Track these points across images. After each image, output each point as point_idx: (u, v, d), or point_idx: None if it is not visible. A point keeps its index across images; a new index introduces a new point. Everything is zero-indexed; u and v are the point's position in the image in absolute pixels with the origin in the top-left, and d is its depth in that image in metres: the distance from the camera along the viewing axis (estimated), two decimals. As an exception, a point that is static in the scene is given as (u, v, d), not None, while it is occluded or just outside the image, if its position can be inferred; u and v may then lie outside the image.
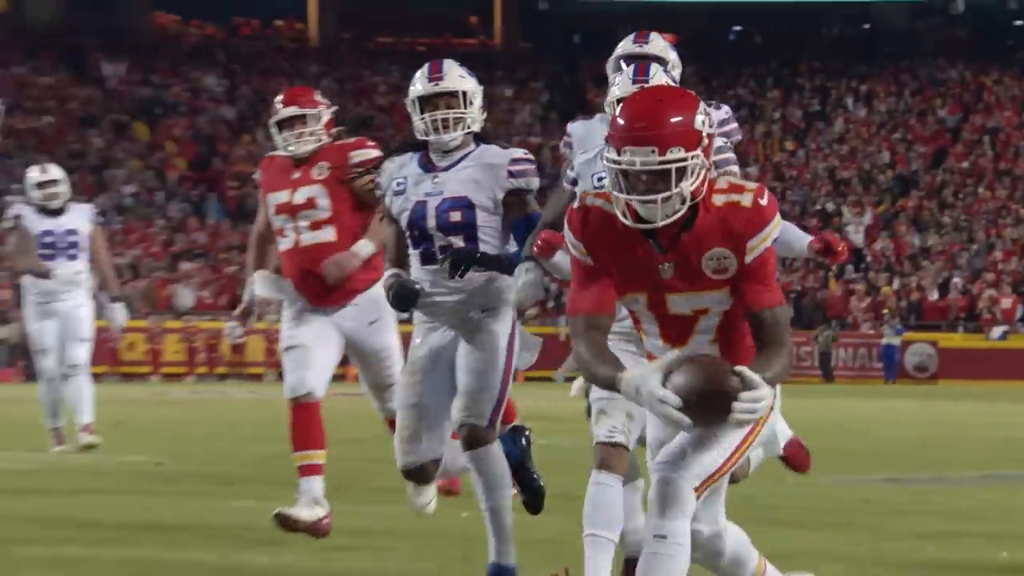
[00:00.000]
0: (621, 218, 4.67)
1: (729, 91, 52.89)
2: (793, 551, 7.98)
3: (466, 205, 7.04)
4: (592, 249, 4.79)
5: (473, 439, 6.94)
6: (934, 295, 42.73)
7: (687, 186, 4.58)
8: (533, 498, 7.45)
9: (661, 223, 4.62)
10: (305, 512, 8.23)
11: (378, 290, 7.93)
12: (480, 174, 7.04)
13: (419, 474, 7.17)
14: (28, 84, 49.31)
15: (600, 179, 6.49)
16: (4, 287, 20.65)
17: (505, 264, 7.02)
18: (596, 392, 6.43)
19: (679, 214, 4.63)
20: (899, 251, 45.23)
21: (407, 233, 7.11)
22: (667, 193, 4.57)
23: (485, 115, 7.25)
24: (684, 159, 4.57)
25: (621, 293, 4.86)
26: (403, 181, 7.13)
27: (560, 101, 54.87)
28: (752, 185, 4.72)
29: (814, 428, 15.34)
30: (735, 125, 7.05)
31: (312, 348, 8.35)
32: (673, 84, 6.61)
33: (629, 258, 4.76)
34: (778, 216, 4.70)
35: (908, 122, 52.48)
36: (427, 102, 7.05)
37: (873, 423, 21.08)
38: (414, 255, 7.11)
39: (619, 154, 4.63)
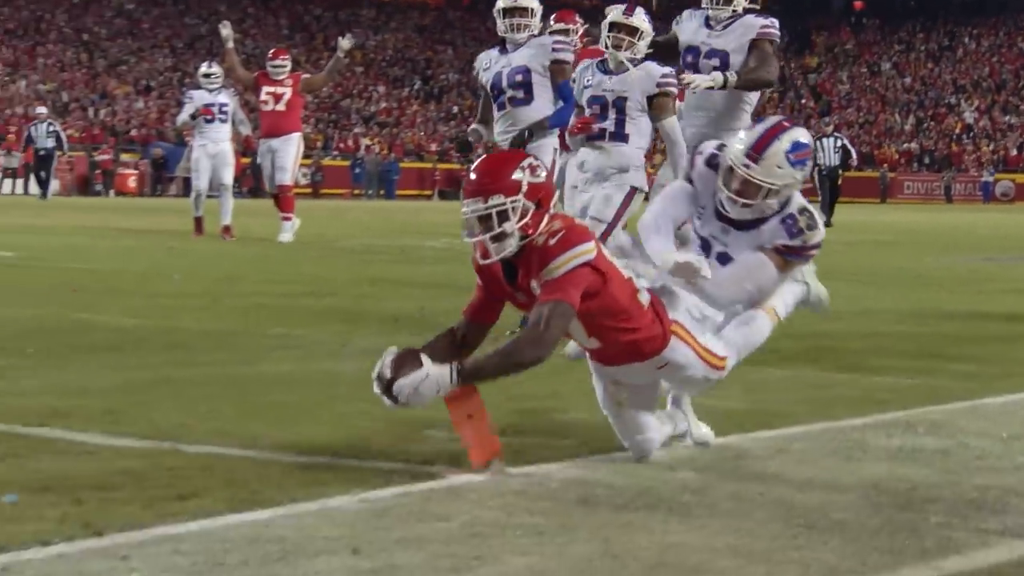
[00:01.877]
0: (477, 256, 4.92)
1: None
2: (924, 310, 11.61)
3: (526, 70, 9.40)
4: (481, 277, 5.03)
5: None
6: (1014, 152, 60.94)
7: (509, 226, 4.77)
8: None
9: (495, 258, 4.85)
10: None
11: None
12: (535, 50, 9.41)
13: None
14: None
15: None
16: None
17: (546, 126, 9.32)
18: None
19: (509, 251, 4.82)
20: (994, 125, 63.62)
21: (492, 93, 9.44)
22: (493, 232, 4.78)
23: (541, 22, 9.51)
24: (503, 204, 4.76)
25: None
26: (488, 62, 9.60)
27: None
28: (557, 225, 4.85)
29: (940, 230, 26.83)
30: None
31: None
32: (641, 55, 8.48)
33: (498, 286, 5.00)
34: (567, 253, 4.79)
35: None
36: (507, 13, 9.45)
37: (976, 226, 30.36)
38: (494, 108, 9.47)
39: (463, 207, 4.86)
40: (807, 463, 5.23)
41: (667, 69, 8.53)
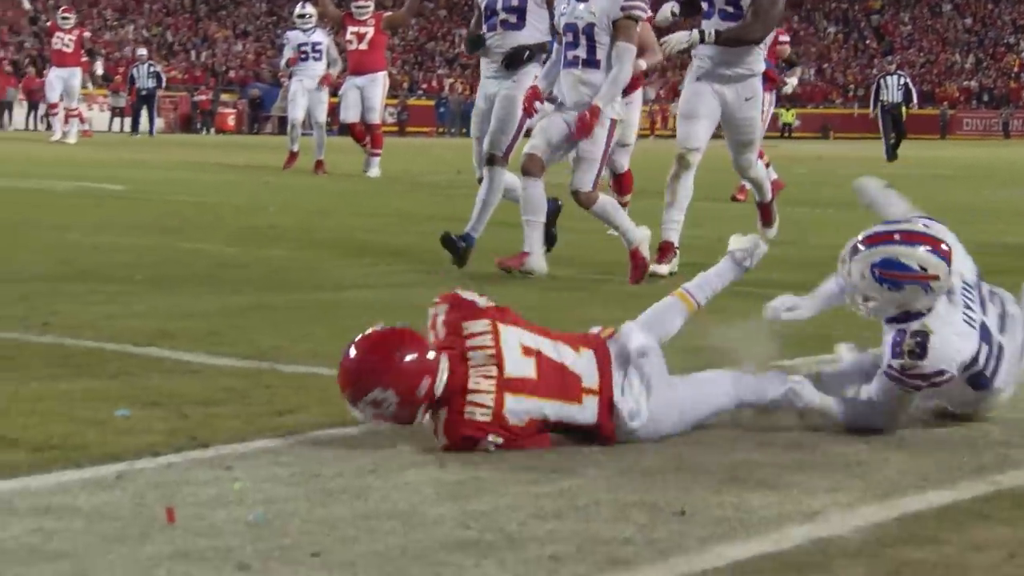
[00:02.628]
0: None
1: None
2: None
3: None
4: None
5: (491, 160, 8.52)
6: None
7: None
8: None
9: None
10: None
11: None
12: None
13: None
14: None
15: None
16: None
17: (542, 50, 8.70)
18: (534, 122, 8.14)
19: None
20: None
21: (485, 13, 8.79)
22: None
23: None
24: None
25: None
26: None
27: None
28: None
29: (998, 165, 27.92)
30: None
31: None
32: None
33: None
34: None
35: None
36: None
37: (1030, 160, 35.42)
38: (485, 28, 8.80)
39: None
40: (869, 384, 5.18)
41: None
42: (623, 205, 9.95)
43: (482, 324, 4.05)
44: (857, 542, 3.26)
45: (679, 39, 8.31)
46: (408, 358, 3.94)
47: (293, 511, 3.38)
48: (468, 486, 3.66)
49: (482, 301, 4.14)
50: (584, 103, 7.98)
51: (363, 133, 19.16)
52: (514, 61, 8.76)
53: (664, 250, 8.55)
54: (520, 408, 4.00)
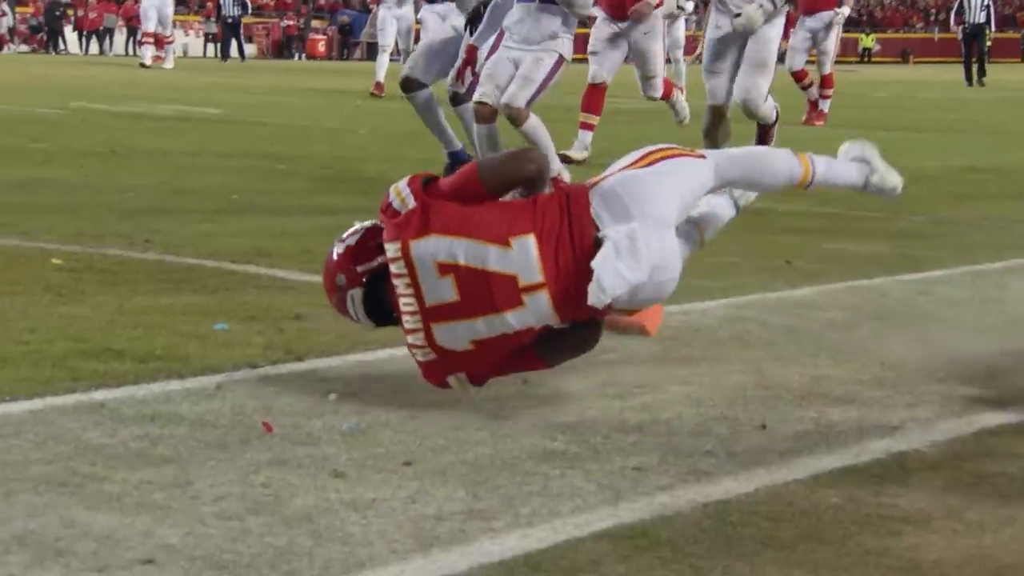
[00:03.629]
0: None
1: None
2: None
3: None
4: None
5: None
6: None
7: None
8: None
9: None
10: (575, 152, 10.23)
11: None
12: None
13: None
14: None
15: None
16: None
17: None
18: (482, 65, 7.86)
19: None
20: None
21: None
22: None
23: None
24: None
25: None
26: None
27: None
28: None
29: None
30: None
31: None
32: None
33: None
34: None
35: None
36: None
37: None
38: None
39: None
40: (949, 304, 5.13)
41: None
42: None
43: (394, 248, 3.49)
44: (935, 456, 3.24)
45: (757, 17, 7.85)
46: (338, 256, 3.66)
47: (385, 422, 3.41)
48: (554, 399, 3.67)
49: (408, 198, 3.51)
50: (535, 40, 7.68)
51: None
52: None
53: None
54: (454, 336, 3.47)
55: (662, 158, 3.68)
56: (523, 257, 3.43)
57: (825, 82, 15.95)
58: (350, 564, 2.48)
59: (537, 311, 3.45)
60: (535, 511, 2.79)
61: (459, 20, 8.81)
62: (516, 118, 7.78)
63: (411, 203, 3.50)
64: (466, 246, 3.43)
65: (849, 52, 53.30)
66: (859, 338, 4.47)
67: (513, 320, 3.45)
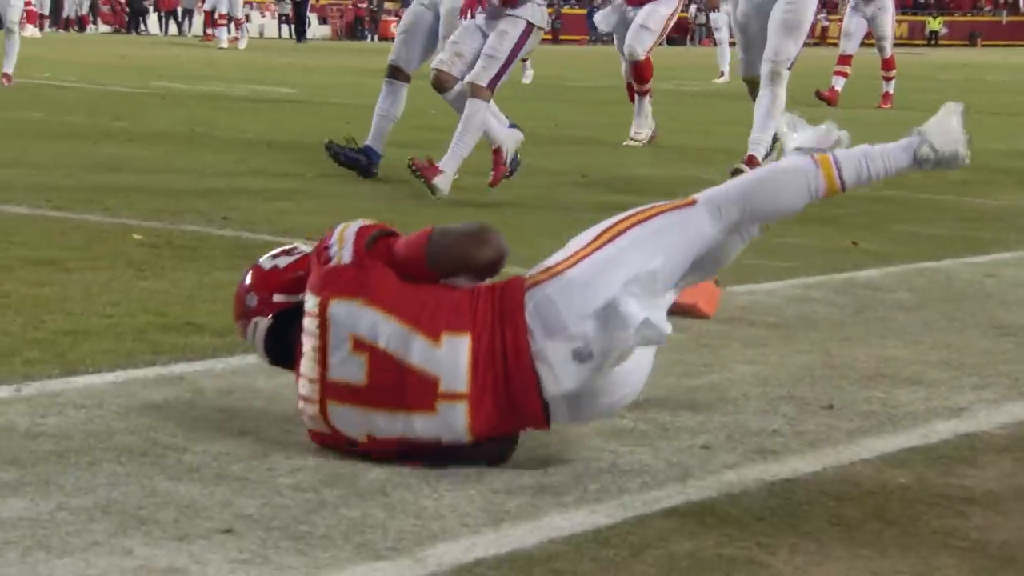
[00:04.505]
0: None
1: None
2: None
3: None
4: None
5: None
6: None
7: None
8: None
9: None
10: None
11: None
12: None
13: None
14: None
15: None
16: None
17: None
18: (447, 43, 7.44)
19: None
20: None
21: None
22: None
23: None
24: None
25: None
26: None
27: None
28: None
29: None
30: None
31: None
32: None
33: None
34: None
35: None
36: None
37: None
38: None
39: None
40: (1016, 286, 5.06)
41: None
42: (644, 93, 10.34)
43: (313, 302, 2.94)
44: (1003, 438, 3.20)
45: None
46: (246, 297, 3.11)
47: (457, 397, 3.41)
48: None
49: (345, 251, 2.97)
50: (501, 14, 7.30)
51: None
52: None
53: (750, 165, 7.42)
54: (348, 423, 2.93)
55: (627, 227, 2.99)
56: (451, 359, 2.86)
57: (887, 65, 15.83)
58: (422, 537, 2.49)
59: (448, 423, 2.87)
60: (604, 487, 2.79)
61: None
62: (475, 94, 7.30)
63: (346, 258, 2.95)
64: (392, 328, 2.87)
65: (916, 35, 52.64)
66: (926, 319, 4.42)
67: (419, 425, 2.88)
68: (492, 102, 7.43)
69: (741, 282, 4.83)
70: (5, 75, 14.73)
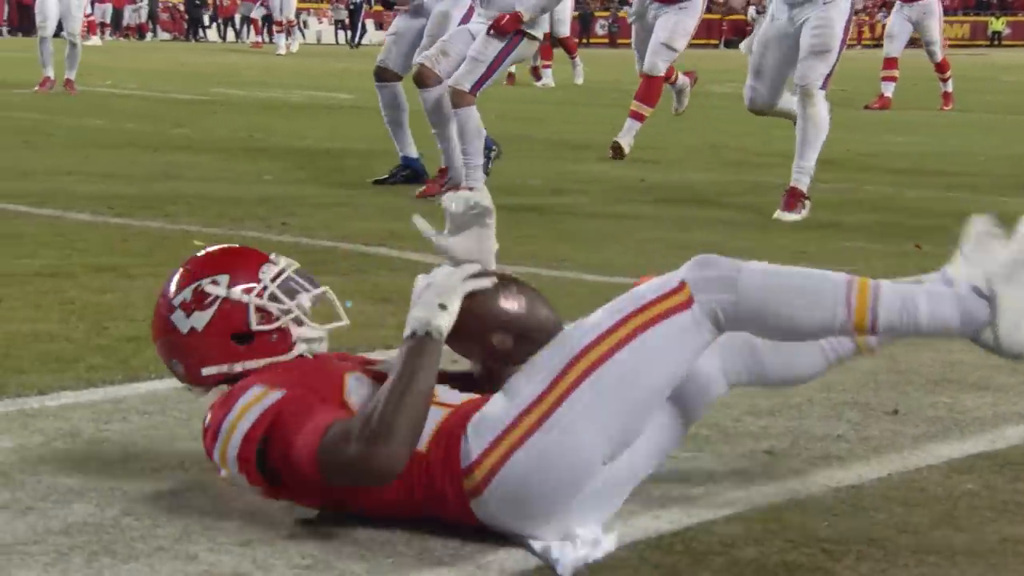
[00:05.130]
0: None
1: None
2: None
3: None
4: None
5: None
6: None
7: None
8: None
9: None
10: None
11: None
12: None
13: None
14: None
15: None
16: None
17: None
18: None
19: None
20: None
21: None
22: None
23: None
24: None
25: None
26: None
27: None
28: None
29: None
30: None
31: None
32: None
33: None
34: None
35: None
36: None
37: None
38: None
39: None
40: (1083, 290, 4.98)
41: None
42: (641, 119, 9.57)
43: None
44: (1073, 444, 3.15)
45: None
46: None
47: (518, 402, 3.41)
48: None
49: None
50: (490, 17, 7.19)
51: (574, 45, 19.15)
52: None
53: (792, 196, 6.95)
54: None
55: (597, 361, 2.49)
56: None
57: (941, 68, 15.54)
58: (484, 544, 2.49)
59: None
60: (667, 493, 2.77)
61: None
62: (456, 100, 7.16)
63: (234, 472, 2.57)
64: None
65: (979, 36, 52.09)
66: (992, 324, 4.36)
67: None
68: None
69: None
70: (68, 82, 14.93)
